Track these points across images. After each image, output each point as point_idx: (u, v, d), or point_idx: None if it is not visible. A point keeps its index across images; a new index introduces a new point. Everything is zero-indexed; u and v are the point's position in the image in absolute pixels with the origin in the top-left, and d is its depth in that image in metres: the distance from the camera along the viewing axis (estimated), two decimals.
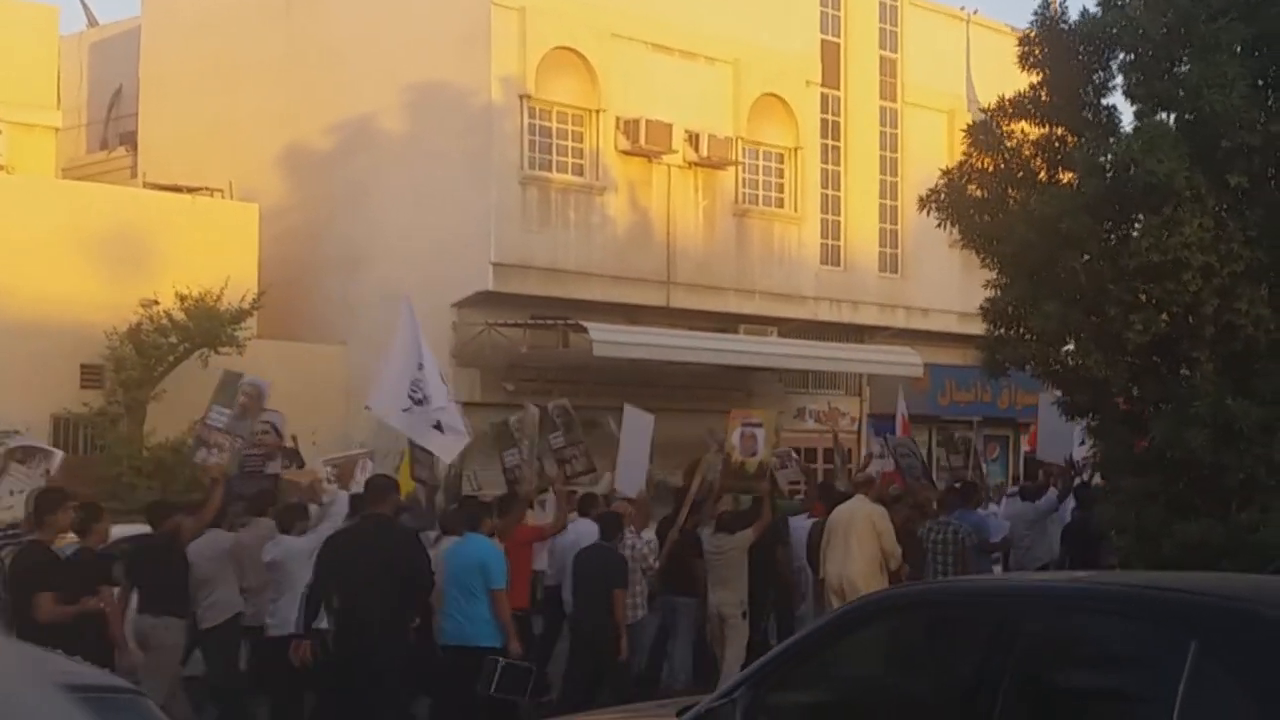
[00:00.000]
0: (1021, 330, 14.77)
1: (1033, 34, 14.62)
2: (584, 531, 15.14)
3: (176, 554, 12.75)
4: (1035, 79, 14.80)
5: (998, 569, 18.35)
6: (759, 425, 17.17)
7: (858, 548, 15.33)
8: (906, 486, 18.44)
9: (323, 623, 12.18)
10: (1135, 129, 13.80)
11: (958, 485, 19.61)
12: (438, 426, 15.37)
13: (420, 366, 15.44)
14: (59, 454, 15.29)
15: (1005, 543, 18.87)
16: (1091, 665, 6.45)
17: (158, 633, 12.78)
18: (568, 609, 15.05)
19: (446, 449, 15.86)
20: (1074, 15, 14.66)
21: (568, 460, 17.35)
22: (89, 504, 13.25)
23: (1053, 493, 19.40)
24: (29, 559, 11.53)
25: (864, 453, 26.12)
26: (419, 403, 15.34)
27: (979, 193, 15.02)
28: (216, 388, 15.29)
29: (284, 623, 13.05)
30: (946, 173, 15.34)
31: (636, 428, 17.49)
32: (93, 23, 37.67)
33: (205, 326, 24.38)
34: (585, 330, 25.95)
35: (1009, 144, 14.96)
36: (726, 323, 29.76)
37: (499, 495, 16.19)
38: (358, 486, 14.55)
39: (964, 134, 15.55)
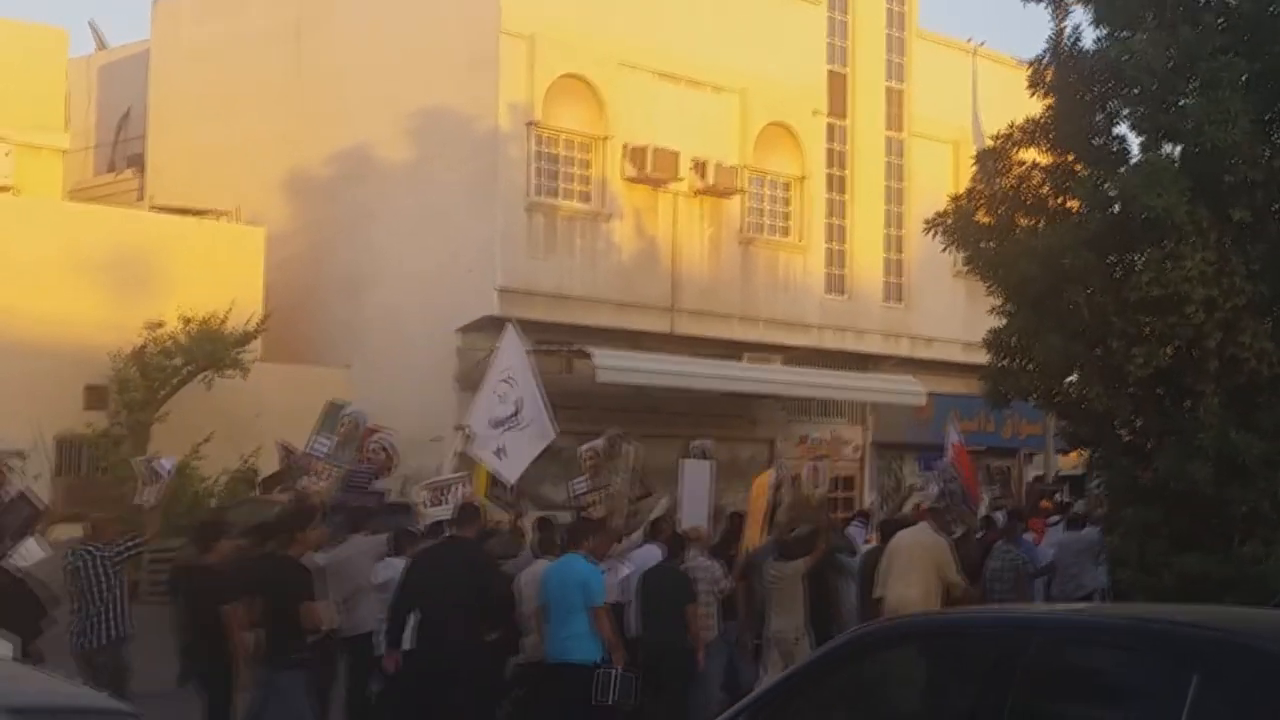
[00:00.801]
0: (1024, 362, 14.78)
1: (1043, 61, 14.65)
2: (650, 555, 15.30)
3: (275, 570, 12.85)
4: (1045, 104, 14.84)
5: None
6: (824, 458, 17.48)
7: (917, 574, 15.57)
8: (954, 514, 18.64)
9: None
10: (1135, 163, 13.83)
11: (1011, 514, 19.65)
12: (499, 451, 15.97)
13: (493, 392, 16.12)
14: (169, 464, 16.12)
15: (1049, 568, 18.95)
16: (1092, 698, 6.43)
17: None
18: (628, 629, 15.04)
19: (507, 472, 16.26)
20: (1087, 43, 14.71)
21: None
22: (210, 523, 14.07)
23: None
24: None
25: (869, 484, 26.12)
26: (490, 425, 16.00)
27: (986, 219, 15.05)
28: (320, 417, 15.97)
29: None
30: (955, 198, 15.38)
31: (696, 478, 17.62)
32: (102, 46, 37.80)
33: (209, 349, 24.42)
34: (589, 356, 25.96)
35: (1017, 170, 15.00)
36: (730, 350, 29.76)
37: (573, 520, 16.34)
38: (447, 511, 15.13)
39: (973, 161, 15.58)
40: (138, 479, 16.39)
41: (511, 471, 16.32)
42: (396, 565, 13.64)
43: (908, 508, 20.14)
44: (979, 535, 18.22)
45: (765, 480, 17.64)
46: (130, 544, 13.10)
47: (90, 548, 12.74)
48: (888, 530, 17.27)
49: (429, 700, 12.63)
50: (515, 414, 16.16)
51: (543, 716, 13.83)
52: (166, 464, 15.98)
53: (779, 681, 7.36)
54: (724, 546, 16.52)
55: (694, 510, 17.31)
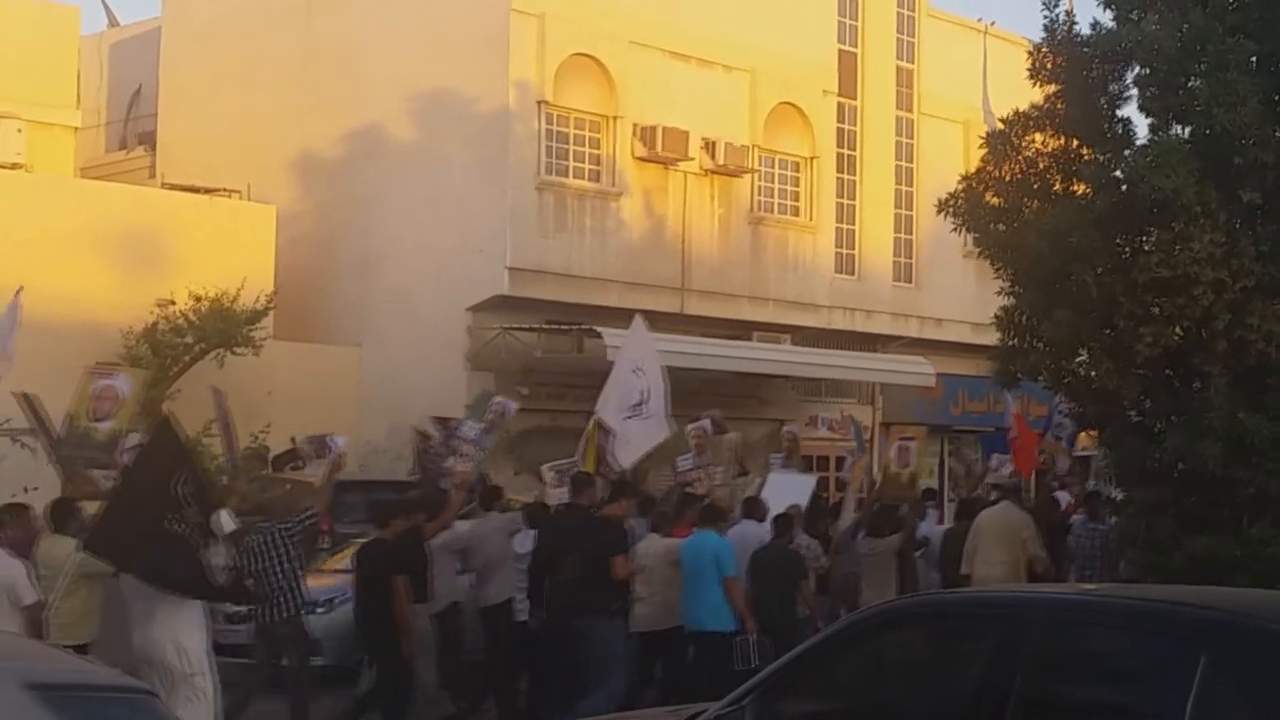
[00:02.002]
0: (1034, 340, 14.81)
1: (1043, 47, 14.64)
2: (749, 533, 15.79)
3: (419, 547, 13.98)
4: (1050, 90, 14.84)
5: None
6: (913, 440, 19.47)
7: (1002, 552, 16.26)
8: (1044, 444, 19.68)
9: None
10: (1145, 145, 13.82)
11: (1092, 493, 19.96)
12: (619, 436, 16.81)
13: (623, 381, 17.05)
14: (340, 441, 17.46)
15: None
16: (1101, 678, 6.46)
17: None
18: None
19: (622, 456, 16.90)
20: (1084, 26, 14.69)
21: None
22: (386, 503, 14.77)
23: None
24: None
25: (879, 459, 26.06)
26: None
27: (996, 201, 15.06)
28: (473, 403, 17.28)
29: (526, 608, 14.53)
30: (965, 178, 15.39)
31: (791, 488, 17.91)
32: (113, 23, 37.79)
33: (221, 327, 24.45)
34: (599, 335, 25.98)
35: (1026, 154, 15.00)
36: (740, 330, 29.78)
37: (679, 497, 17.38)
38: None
39: (982, 142, 15.59)
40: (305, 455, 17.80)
41: (626, 457, 16.89)
42: (533, 536, 14.63)
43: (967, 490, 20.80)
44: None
45: (859, 469, 18.25)
46: (304, 517, 13.76)
47: (266, 525, 13.31)
48: (965, 510, 18.18)
49: (558, 657, 13.78)
50: (641, 403, 16.86)
51: (675, 682, 14.71)
52: (337, 441, 17.13)
53: (792, 658, 7.40)
54: (814, 525, 17.29)
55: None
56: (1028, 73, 14.78)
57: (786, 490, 18.07)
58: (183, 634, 10.83)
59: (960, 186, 15.31)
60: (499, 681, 14.84)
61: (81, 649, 11.18)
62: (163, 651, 10.85)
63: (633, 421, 16.78)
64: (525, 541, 14.61)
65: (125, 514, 10.84)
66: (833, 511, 18.06)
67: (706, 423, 18.99)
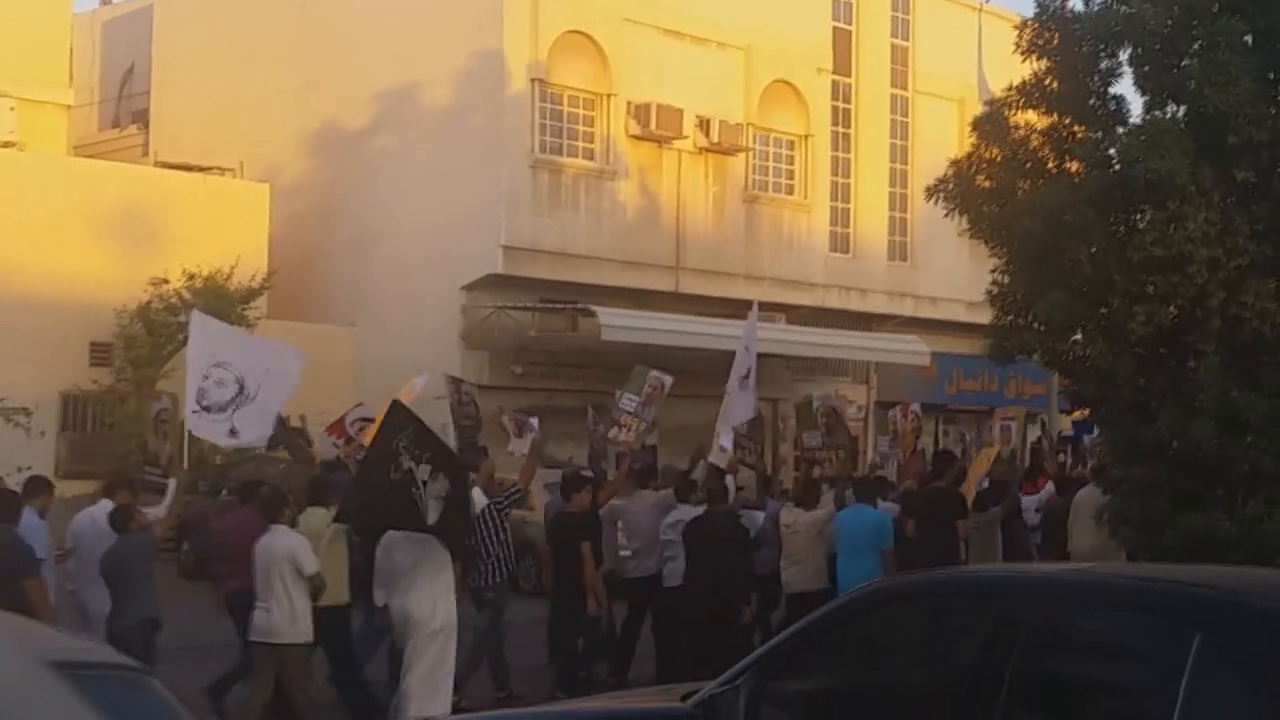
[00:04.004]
0: (1029, 318, 14.79)
1: (1034, 23, 14.58)
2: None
3: (596, 516, 15.37)
4: (1041, 66, 14.78)
5: None
6: (1013, 419, 20.82)
7: (1095, 526, 16.65)
8: None
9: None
10: (1137, 125, 13.79)
11: None
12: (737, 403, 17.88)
13: (741, 359, 18.01)
14: (535, 421, 18.75)
15: None
16: (1095, 657, 6.47)
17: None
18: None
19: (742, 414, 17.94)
20: (1077, 4, 14.63)
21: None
22: (572, 477, 16.02)
23: None
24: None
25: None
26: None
27: (987, 183, 15.01)
28: (630, 378, 18.07)
29: (675, 574, 15.46)
30: (955, 163, 15.34)
31: None
32: (105, 1, 37.73)
33: (215, 305, 24.41)
34: (594, 314, 25.99)
35: (1017, 134, 14.95)
36: (735, 308, 29.72)
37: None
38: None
39: (971, 126, 15.54)
40: (507, 430, 19.51)
41: (746, 413, 17.95)
42: (683, 510, 15.67)
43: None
44: None
45: (990, 454, 19.31)
46: (512, 493, 14.86)
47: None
48: (1067, 488, 19.02)
49: (696, 630, 14.79)
50: (746, 376, 17.91)
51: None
52: (534, 420, 18.52)
53: (789, 635, 7.40)
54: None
55: None
56: (1015, 47, 14.72)
57: None
58: (437, 598, 12.20)
59: (950, 170, 15.26)
60: (657, 650, 15.73)
61: (344, 609, 12.77)
62: (418, 613, 12.20)
63: (741, 391, 17.78)
64: (675, 514, 15.54)
65: (363, 483, 12.41)
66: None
67: (835, 400, 20.11)
